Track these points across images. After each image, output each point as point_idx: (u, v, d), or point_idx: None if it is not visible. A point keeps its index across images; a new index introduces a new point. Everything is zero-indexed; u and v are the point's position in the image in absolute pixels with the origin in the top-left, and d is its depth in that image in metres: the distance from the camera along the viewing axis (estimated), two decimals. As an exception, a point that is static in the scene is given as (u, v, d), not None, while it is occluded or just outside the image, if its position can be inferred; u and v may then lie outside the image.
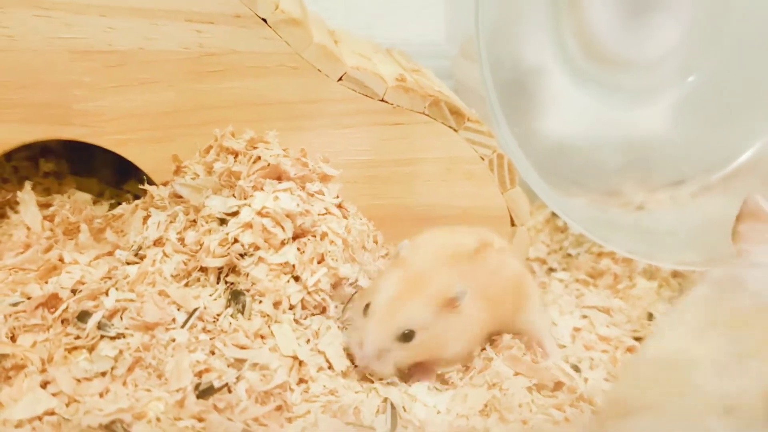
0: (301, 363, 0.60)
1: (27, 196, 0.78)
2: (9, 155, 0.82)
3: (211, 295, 0.64)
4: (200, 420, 0.52)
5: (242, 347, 0.59)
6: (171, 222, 0.68)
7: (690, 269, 0.95)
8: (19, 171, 0.85)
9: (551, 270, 1.00)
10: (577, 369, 0.72)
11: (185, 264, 0.65)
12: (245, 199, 0.67)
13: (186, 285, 0.65)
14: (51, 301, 0.61)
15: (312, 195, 0.69)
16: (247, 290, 0.63)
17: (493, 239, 0.72)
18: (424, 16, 1.25)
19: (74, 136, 0.77)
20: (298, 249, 0.65)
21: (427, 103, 0.78)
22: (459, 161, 0.81)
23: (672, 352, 0.41)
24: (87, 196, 0.83)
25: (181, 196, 0.70)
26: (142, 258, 0.67)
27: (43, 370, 0.56)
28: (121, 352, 0.57)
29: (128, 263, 0.67)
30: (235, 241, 0.64)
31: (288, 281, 0.64)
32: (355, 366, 0.62)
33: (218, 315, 0.62)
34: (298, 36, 0.75)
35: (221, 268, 0.65)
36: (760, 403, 0.35)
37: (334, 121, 0.78)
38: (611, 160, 1.17)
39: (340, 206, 0.71)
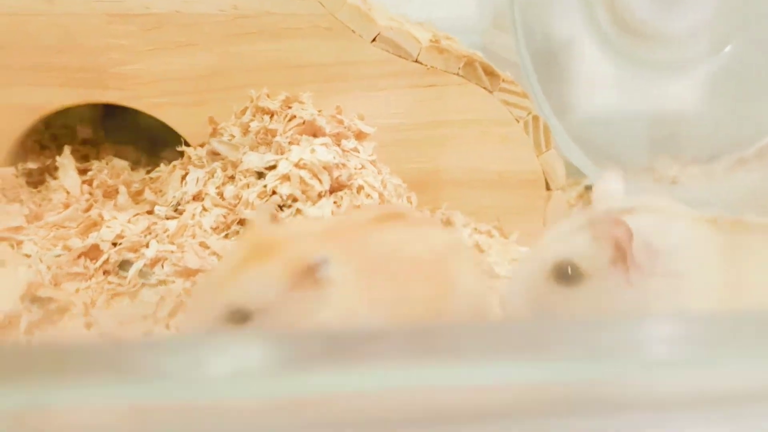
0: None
1: (66, 160, 0.79)
2: (48, 123, 0.83)
3: (250, 247, 0.64)
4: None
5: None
6: (209, 178, 0.68)
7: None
8: (58, 138, 0.86)
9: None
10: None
11: (224, 217, 0.66)
12: (281, 154, 0.67)
13: (225, 237, 0.65)
14: (92, 252, 0.62)
15: (347, 152, 0.69)
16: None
17: (407, 212, 0.61)
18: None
19: (111, 99, 0.77)
20: (335, 202, 0.65)
21: (461, 63, 0.78)
22: (493, 123, 0.80)
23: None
24: (124, 163, 0.83)
25: (218, 154, 0.70)
26: (181, 213, 0.68)
27: (86, 314, 0.56)
28: (162, 297, 0.57)
29: (167, 218, 0.67)
30: (273, 193, 0.64)
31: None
32: None
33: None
34: (332, -3, 0.76)
35: (260, 220, 0.65)
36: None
37: (368, 83, 0.78)
38: (643, 135, 1.16)
39: (374, 164, 0.71)
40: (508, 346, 0.32)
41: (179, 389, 0.27)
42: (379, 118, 0.78)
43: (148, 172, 0.83)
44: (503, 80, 0.79)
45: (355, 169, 0.67)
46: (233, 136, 0.73)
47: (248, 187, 0.66)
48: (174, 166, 0.75)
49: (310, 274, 0.44)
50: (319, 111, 0.74)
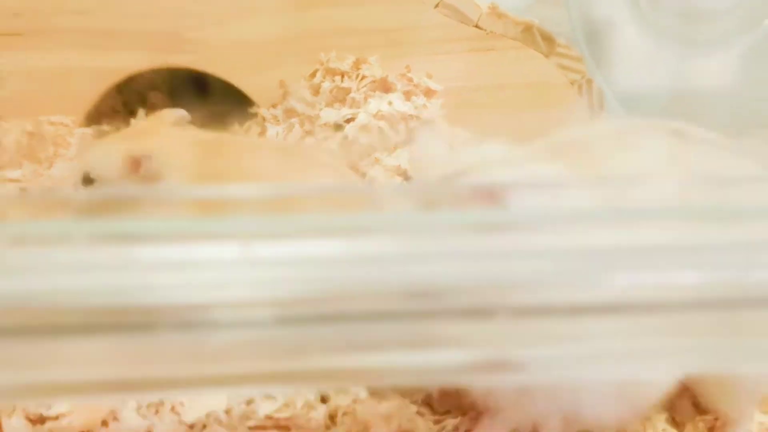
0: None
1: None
2: (119, 88, 0.87)
3: (329, 195, 0.67)
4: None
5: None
6: (288, 133, 0.72)
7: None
8: (128, 104, 0.89)
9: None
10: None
11: (303, 167, 0.69)
12: (357, 109, 0.71)
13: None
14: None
15: (416, 108, 0.73)
16: (365, 188, 0.67)
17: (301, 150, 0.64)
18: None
19: (185, 63, 0.81)
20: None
21: (519, 28, 0.81)
22: (549, 87, 0.84)
23: None
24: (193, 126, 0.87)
25: (294, 111, 0.74)
26: (260, 166, 0.71)
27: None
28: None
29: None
30: (353, 143, 0.68)
31: (401, 182, 0.67)
32: None
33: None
34: (396, -37, 0.79)
35: (339, 168, 0.68)
36: None
37: (430, 47, 0.82)
38: (680, 111, 1.19)
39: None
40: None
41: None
42: (440, 81, 0.82)
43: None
44: (559, 45, 0.83)
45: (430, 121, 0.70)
46: (304, 98, 0.77)
47: (326, 139, 0.70)
48: (248, 126, 0.78)
49: (136, 166, 0.52)
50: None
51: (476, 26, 0.81)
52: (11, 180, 0.74)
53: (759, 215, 0.28)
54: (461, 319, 0.25)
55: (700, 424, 0.50)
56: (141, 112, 0.83)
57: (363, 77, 0.74)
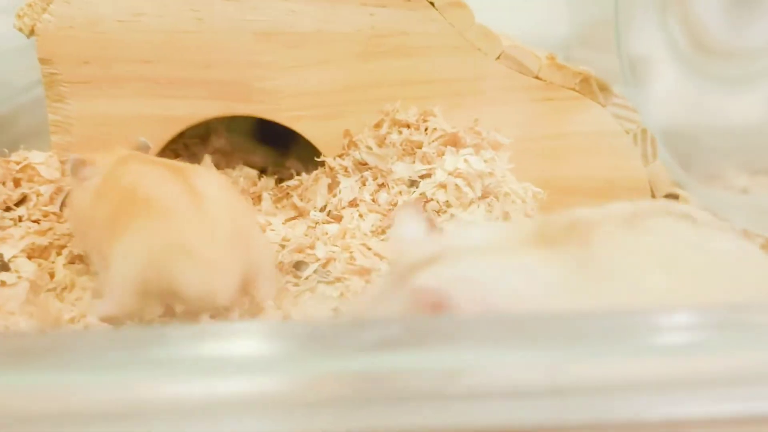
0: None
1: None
2: (181, 132, 0.89)
3: (406, 250, 0.69)
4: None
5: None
6: (362, 185, 0.74)
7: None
8: (190, 147, 0.91)
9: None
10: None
11: (380, 222, 0.71)
12: (428, 163, 0.73)
13: (383, 240, 0.70)
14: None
15: (486, 161, 0.74)
16: (442, 244, 0.68)
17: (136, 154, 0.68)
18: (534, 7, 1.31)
19: (253, 112, 0.83)
20: (488, 211, 0.70)
21: (578, 79, 0.83)
22: (605, 135, 0.86)
23: None
24: (254, 171, 0.89)
25: (365, 164, 0.75)
26: (335, 218, 0.73)
27: (280, 307, 0.61)
28: (342, 293, 0.62)
29: (324, 222, 0.72)
30: (430, 199, 0.69)
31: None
32: None
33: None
34: (461, 17, 0.81)
35: (415, 224, 0.70)
36: None
37: (491, 97, 0.84)
38: (714, 146, 1.21)
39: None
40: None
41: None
42: (500, 130, 0.84)
43: (277, 181, 0.88)
44: (615, 95, 0.85)
45: (502, 177, 0.72)
46: (370, 148, 0.79)
47: (401, 194, 0.71)
48: (317, 175, 0.80)
49: (71, 167, 0.65)
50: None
51: (536, 77, 0.83)
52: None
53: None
54: None
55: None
56: (207, 158, 0.85)
57: (434, 130, 0.76)
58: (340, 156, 0.80)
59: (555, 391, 0.30)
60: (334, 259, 0.67)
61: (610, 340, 0.32)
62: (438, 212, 0.69)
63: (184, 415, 0.28)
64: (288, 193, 0.82)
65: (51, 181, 0.77)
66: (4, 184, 0.78)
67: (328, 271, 0.65)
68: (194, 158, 0.90)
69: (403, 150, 0.76)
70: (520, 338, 0.32)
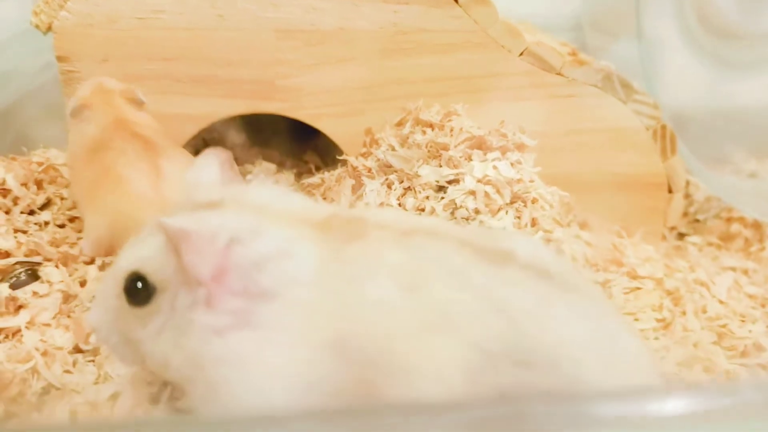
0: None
1: (227, 166, 0.83)
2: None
3: (434, 255, 0.70)
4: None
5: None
6: (388, 189, 0.74)
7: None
8: (209, 143, 0.90)
9: (682, 235, 1.06)
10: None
11: (408, 227, 0.71)
12: (454, 167, 0.73)
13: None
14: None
15: (512, 164, 0.75)
16: (472, 251, 0.69)
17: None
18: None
19: (275, 110, 0.82)
20: (516, 216, 0.71)
21: (599, 76, 0.83)
22: (625, 131, 0.86)
23: None
24: (273, 166, 0.88)
25: (390, 166, 0.75)
26: (362, 222, 0.73)
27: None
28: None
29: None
30: (459, 206, 0.70)
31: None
32: None
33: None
34: (485, 14, 0.80)
35: (443, 230, 0.71)
36: None
37: (513, 94, 0.83)
38: (724, 130, 1.22)
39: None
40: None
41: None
42: (525, 131, 0.83)
43: (296, 176, 0.88)
44: (636, 92, 0.85)
45: (530, 182, 0.72)
46: (393, 147, 0.78)
47: (428, 199, 0.72)
48: (340, 175, 0.80)
49: (72, 111, 0.73)
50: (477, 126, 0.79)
51: (558, 73, 0.83)
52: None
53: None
54: None
55: None
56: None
57: (459, 131, 0.76)
58: (363, 155, 0.80)
59: None
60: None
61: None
62: (467, 219, 0.70)
63: None
64: (310, 192, 0.81)
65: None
66: (26, 186, 0.77)
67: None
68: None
69: (429, 152, 0.75)
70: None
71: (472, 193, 0.70)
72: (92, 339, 0.60)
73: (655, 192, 0.88)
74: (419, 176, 0.73)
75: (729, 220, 1.06)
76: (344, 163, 0.81)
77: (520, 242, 0.47)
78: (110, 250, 0.68)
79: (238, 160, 0.88)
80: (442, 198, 0.71)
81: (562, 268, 0.47)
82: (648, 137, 0.86)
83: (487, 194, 0.69)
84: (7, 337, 0.60)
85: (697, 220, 1.09)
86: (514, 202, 0.72)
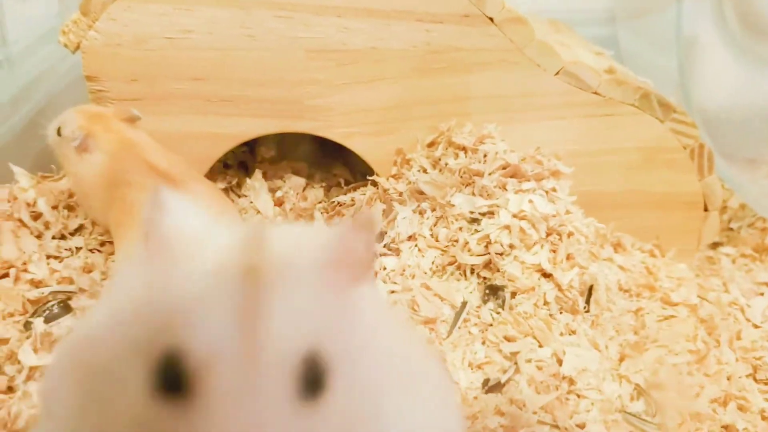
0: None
1: (258, 183, 0.83)
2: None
3: (466, 288, 0.69)
4: (501, 414, 0.58)
5: (511, 339, 0.65)
6: (420, 217, 0.73)
7: None
8: (239, 157, 0.90)
9: (716, 244, 1.04)
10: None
11: (440, 259, 0.71)
12: (488, 197, 0.72)
13: (445, 280, 0.70)
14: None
15: (547, 192, 0.73)
16: (505, 287, 0.68)
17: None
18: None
19: (305, 129, 0.81)
20: (552, 250, 0.70)
21: (637, 95, 0.81)
22: (662, 150, 0.84)
23: None
24: (301, 180, 0.88)
25: (422, 193, 0.74)
26: (393, 251, 0.72)
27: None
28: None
29: (382, 255, 0.72)
30: (495, 242, 0.69)
31: (539, 279, 0.68)
32: None
33: (477, 308, 0.68)
34: (521, 33, 0.78)
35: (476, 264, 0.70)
36: None
37: (548, 113, 0.82)
38: (758, 129, 1.19)
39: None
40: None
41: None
42: (555, 146, 0.82)
43: (325, 189, 0.88)
44: (675, 111, 0.83)
45: (566, 214, 0.71)
46: (424, 168, 0.77)
47: (461, 230, 0.71)
48: (371, 197, 0.79)
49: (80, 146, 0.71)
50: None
51: (595, 92, 0.81)
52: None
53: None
54: None
55: None
56: (257, 172, 0.84)
57: (494, 157, 0.75)
58: (394, 176, 0.79)
59: None
60: (395, 302, 0.67)
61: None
62: (501, 254, 0.69)
63: None
64: (340, 211, 0.81)
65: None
66: (56, 208, 0.77)
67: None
68: (242, 167, 0.89)
69: (461, 178, 0.74)
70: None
71: (507, 227, 0.69)
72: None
73: (690, 210, 0.86)
74: (452, 206, 0.72)
75: (764, 230, 1.04)
76: (374, 182, 0.80)
77: None
78: None
79: (266, 176, 0.87)
80: (476, 231, 0.70)
81: None
82: (685, 156, 0.84)
83: (522, 230, 0.68)
84: (42, 375, 0.60)
85: (731, 229, 1.07)
86: (550, 234, 0.71)
